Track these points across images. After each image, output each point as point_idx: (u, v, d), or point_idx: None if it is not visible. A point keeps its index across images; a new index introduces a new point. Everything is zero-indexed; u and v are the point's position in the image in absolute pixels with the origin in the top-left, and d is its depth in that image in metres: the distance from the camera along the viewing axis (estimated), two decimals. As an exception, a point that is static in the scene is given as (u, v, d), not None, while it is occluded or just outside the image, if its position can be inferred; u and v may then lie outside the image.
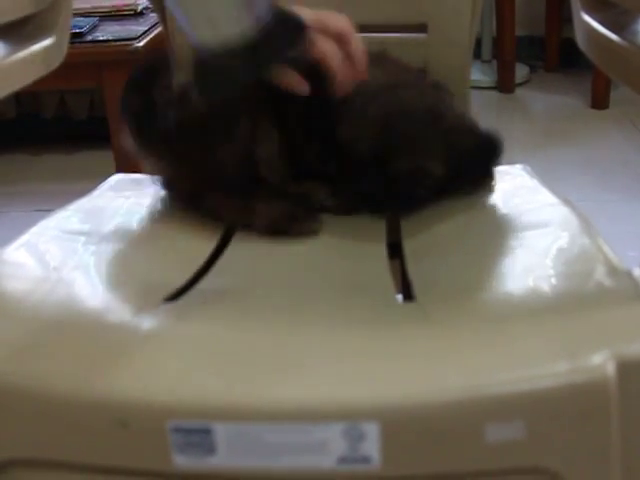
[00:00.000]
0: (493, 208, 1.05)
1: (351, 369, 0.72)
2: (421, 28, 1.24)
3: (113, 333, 0.79)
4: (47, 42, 1.14)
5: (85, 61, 2.21)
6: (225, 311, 0.83)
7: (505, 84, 3.65)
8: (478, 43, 3.71)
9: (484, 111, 3.45)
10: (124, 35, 2.31)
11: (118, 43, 2.27)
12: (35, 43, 1.12)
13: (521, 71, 3.75)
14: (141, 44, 2.26)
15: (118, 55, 2.25)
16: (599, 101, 3.38)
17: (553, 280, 0.84)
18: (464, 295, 0.84)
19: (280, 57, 0.89)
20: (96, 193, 1.16)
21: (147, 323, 0.80)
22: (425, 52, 1.22)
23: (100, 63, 2.27)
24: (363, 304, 0.83)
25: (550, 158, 2.94)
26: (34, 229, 1.03)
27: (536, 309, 0.79)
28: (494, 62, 3.72)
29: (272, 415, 0.69)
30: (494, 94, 3.65)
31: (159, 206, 1.08)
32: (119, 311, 0.83)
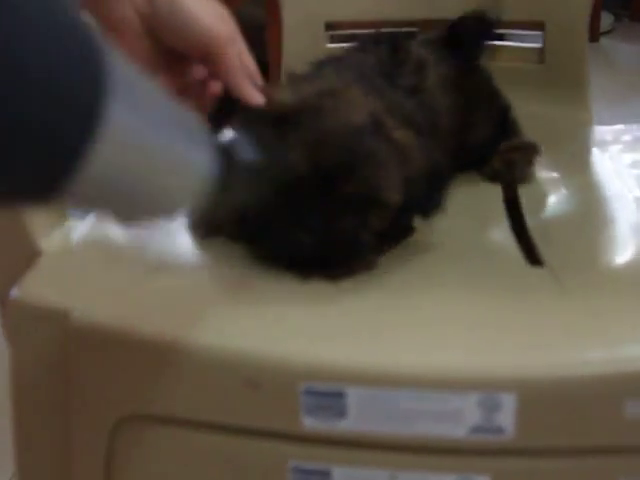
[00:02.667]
0: (612, 171, 1.02)
1: (489, 338, 0.70)
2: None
3: (245, 287, 0.78)
4: None
5: None
6: (360, 281, 0.79)
7: (589, 33, 3.54)
8: (562, -11, 3.62)
9: (567, 60, 3.37)
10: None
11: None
12: None
13: (605, 20, 3.64)
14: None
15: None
16: (687, 52, 3.29)
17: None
18: (597, 259, 0.82)
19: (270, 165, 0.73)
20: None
21: (280, 278, 0.78)
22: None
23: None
24: (491, 269, 0.81)
25: (635, 110, 2.87)
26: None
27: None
28: (578, 9, 3.63)
29: (408, 381, 0.68)
30: (577, 43, 3.57)
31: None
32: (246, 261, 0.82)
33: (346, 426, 0.69)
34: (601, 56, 3.50)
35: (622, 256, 0.84)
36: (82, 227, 0.85)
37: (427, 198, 0.82)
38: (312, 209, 0.76)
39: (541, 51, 1.27)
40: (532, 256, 0.84)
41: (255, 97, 0.78)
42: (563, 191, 0.98)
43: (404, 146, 0.79)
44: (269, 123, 0.77)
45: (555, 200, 0.97)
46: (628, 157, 1.06)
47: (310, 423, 0.70)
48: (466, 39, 1.06)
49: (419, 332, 0.71)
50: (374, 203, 0.78)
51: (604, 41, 3.60)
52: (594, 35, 3.54)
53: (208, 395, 0.72)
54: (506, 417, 0.67)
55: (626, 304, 0.74)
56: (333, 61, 0.96)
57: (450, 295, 0.76)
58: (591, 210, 0.93)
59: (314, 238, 0.76)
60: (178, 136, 0.58)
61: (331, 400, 0.68)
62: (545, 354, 0.68)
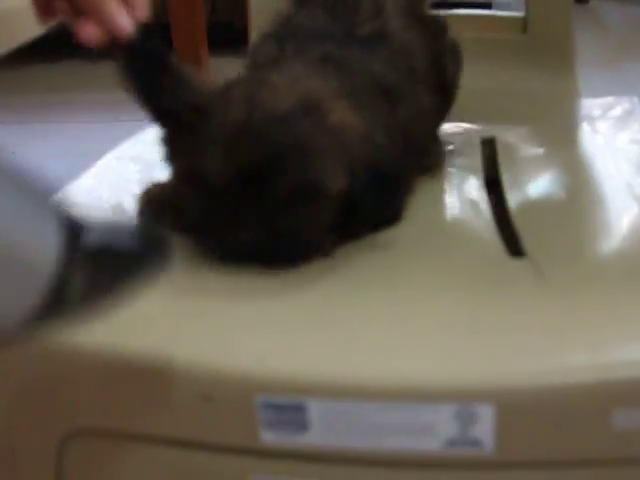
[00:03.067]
0: (602, 150, 0.96)
1: (463, 342, 0.64)
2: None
3: (196, 296, 0.71)
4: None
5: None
6: (320, 277, 0.74)
7: (579, -7, 3.48)
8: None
9: (557, 23, 3.30)
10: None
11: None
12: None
13: (596, -21, 3.58)
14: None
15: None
16: (681, 12, 3.22)
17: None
18: (582, 248, 0.76)
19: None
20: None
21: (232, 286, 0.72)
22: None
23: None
24: (469, 261, 0.75)
25: (626, 74, 2.80)
26: (98, 164, 0.95)
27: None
28: (567, -31, 3.54)
29: (374, 392, 0.62)
30: (567, 4, 3.49)
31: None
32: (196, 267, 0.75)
33: (308, 440, 0.63)
34: (591, 18, 3.43)
35: (610, 245, 0.78)
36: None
37: (376, 198, 0.75)
38: (247, 210, 0.70)
39: (524, 20, 1.20)
40: (513, 245, 0.77)
41: (124, 26, 0.70)
42: (548, 171, 0.92)
43: (342, 130, 0.73)
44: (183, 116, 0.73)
45: (539, 181, 0.90)
46: (617, 133, 1.00)
47: (269, 437, 0.64)
48: None
49: (385, 337, 0.65)
50: (311, 194, 0.72)
51: (594, 2, 3.53)
52: (583, -4, 3.47)
53: (162, 408, 0.66)
54: (484, 429, 0.61)
55: (613, 300, 0.68)
56: (292, 35, 0.88)
57: (420, 293, 0.70)
58: (578, 193, 0.87)
59: (254, 236, 0.70)
60: None
61: (291, 414, 0.62)
62: (525, 360, 0.62)
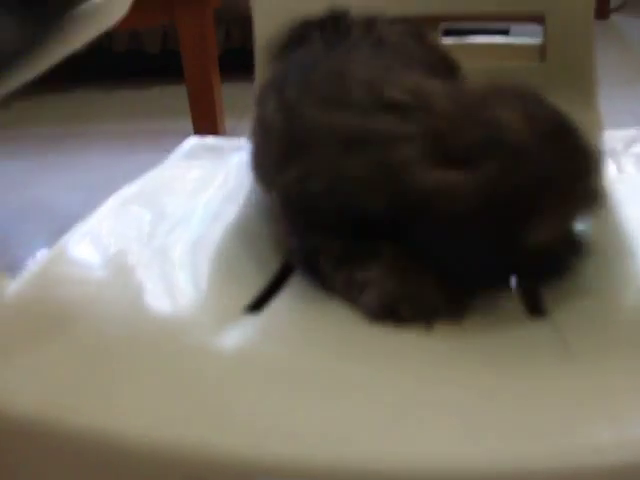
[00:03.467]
0: (630, 193, 0.90)
1: (471, 423, 0.58)
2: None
3: (183, 361, 0.66)
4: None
5: (158, -1, 2.11)
6: (324, 333, 0.69)
7: (599, 9, 3.40)
8: (570, -35, 3.48)
9: (577, 40, 3.25)
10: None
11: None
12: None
13: (616, -6, 3.53)
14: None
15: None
16: (703, 27, 3.15)
17: None
18: (609, 306, 0.70)
19: None
20: (169, 163, 1.04)
21: (229, 347, 0.67)
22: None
23: (173, 0, 2.16)
24: (479, 320, 0.69)
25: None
26: (101, 210, 0.91)
27: None
28: (588, -15, 3.49)
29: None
30: (587, 21, 3.43)
31: (238, 183, 0.94)
32: (192, 331, 0.70)
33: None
34: (612, 34, 3.37)
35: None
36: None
37: None
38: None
39: (542, 48, 1.15)
40: (532, 303, 0.72)
41: None
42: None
43: None
44: None
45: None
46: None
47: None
48: None
49: (402, 418, 0.59)
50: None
51: (615, 18, 3.47)
52: (604, 12, 3.42)
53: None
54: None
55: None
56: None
57: (427, 366, 0.65)
58: (603, 242, 0.80)
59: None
60: None
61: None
62: (541, 440, 0.57)
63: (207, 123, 2.18)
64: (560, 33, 1.15)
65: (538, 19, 1.14)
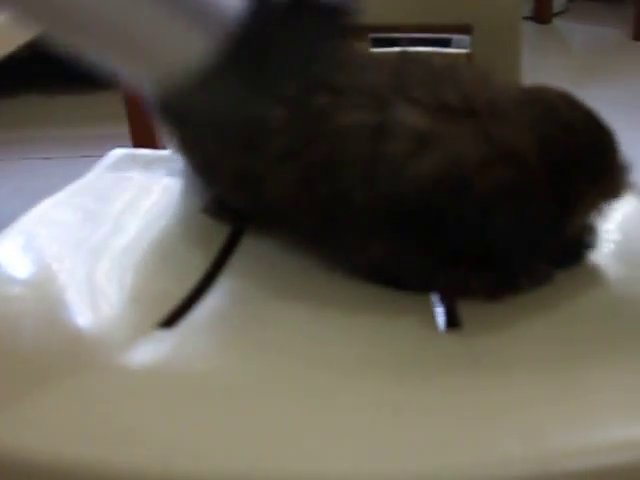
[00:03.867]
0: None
1: (385, 434, 0.59)
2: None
3: (93, 382, 0.66)
4: None
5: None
6: (232, 347, 0.69)
7: (541, 14, 3.47)
8: (513, -30, 3.50)
9: (519, 44, 3.28)
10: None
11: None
12: None
13: (558, 0, 3.56)
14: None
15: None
16: (643, 32, 3.20)
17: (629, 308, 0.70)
18: (520, 324, 0.70)
19: (307, 49, 0.58)
20: (93, 174, 1.03)
21: (138, 363, 0.67)
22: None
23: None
24: (397, 335, 0.69)
25: (589, 95, 2.74)
26: (24, 221, 0.90)
27: (615, 346, 0.65)
28: (530, -11, 3.53)
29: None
30: (530, 25, 3.46)
31: (165, 196, 0.94)
32: (101, 347, 0.70)
33: None
34: (554, 39, 3.42)
35: (555, 321, 0.72)
36: None
37: None
38: None
39: (468, 57, 1.16)
40: (449, 316, 0.72)
41: None
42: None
43: None
44: None
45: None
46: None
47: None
48: None
49: (304, 428, 0.60)
50: None
51: (557, 22, 3.51)
52: (546, 16, 3.46)
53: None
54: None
55: (553, 385, 0.63)
56: None
57: (341, 378, 0.65)
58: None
59: None
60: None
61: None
62: (448, 451, 0.57)
63: (145, 129, 2.16)
64: (487, 42, 1.16)
65: (466, 30, 1.15)
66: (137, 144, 2.01)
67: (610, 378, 0.63)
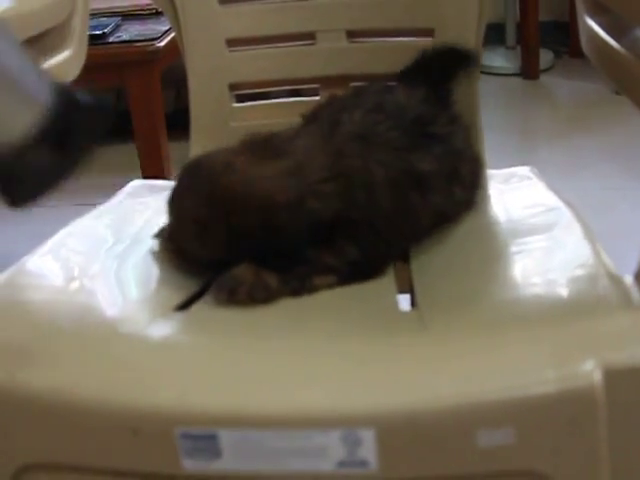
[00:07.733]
0: (496, 214, 1.09)
1: (349, 378, 0.76)
2: (427, 32, 1.25)
3: (126, 343, 0.84)
4: (65, 54, 1.18)
5: (108, 62, 2.24)
6: (230, 323, 0.88)
7: (529, 70, 3.63)
8: (502, 29, 3.69)
9: (508, 98, 3.46)
10: (146, 35, 2.33)
11: (140, 44, 2.29)
12: (53, 56, 1.16)
13: (545, 57, 3.72)
14: (162, 44, 2.28)
15: (140, 55, 2.28)
16: (623, 87, 3.36)
17: (548, 287, 0.87)
18: (464, 303, 0.88)
19: (90, 136, 0.80)
20: (116, 199, 1.21)
21: (158, 333, 0.85)
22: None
23: (122, 64, 2.29)
24: (364, 312, 0.87)
25: (574, 145, 2.93)
26: (56, 237, 1.08)
27: (529, 316, 0.83)
28: (518, 48, 3.71)
29: (274, 422, 0.73)
30: (518, 81, 3.64)
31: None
32: (132, 321, 0.89)
33: (223, 466, 0.74)
34: (541, 93, 3.58)
35: (489, 300, 0.90)
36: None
37: None
38: None
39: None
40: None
41: None
42: (450, 236, 1.05)
43: None
44: None
45: (442, 245, 1.03)
46: (514, 199, 1.13)
47: (189, 465, 0.75)
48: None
49: (283, 375, 0.77)
50: None
51: (544, 78, 3.68)
52: (534, 72, 3.62)
53: (95, 442, 0.77)
54: (368, 451, 0.73)
55: (479, 344, 0.80)
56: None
57: (318, 340, 0.83)
58: (474, 254, 1.00)
59: None
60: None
61: (206, 442, 0.74)
62: (399, 390, 0.74)
63: (156, 178, 2.32)
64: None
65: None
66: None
67: (522, 338, 0.80)
